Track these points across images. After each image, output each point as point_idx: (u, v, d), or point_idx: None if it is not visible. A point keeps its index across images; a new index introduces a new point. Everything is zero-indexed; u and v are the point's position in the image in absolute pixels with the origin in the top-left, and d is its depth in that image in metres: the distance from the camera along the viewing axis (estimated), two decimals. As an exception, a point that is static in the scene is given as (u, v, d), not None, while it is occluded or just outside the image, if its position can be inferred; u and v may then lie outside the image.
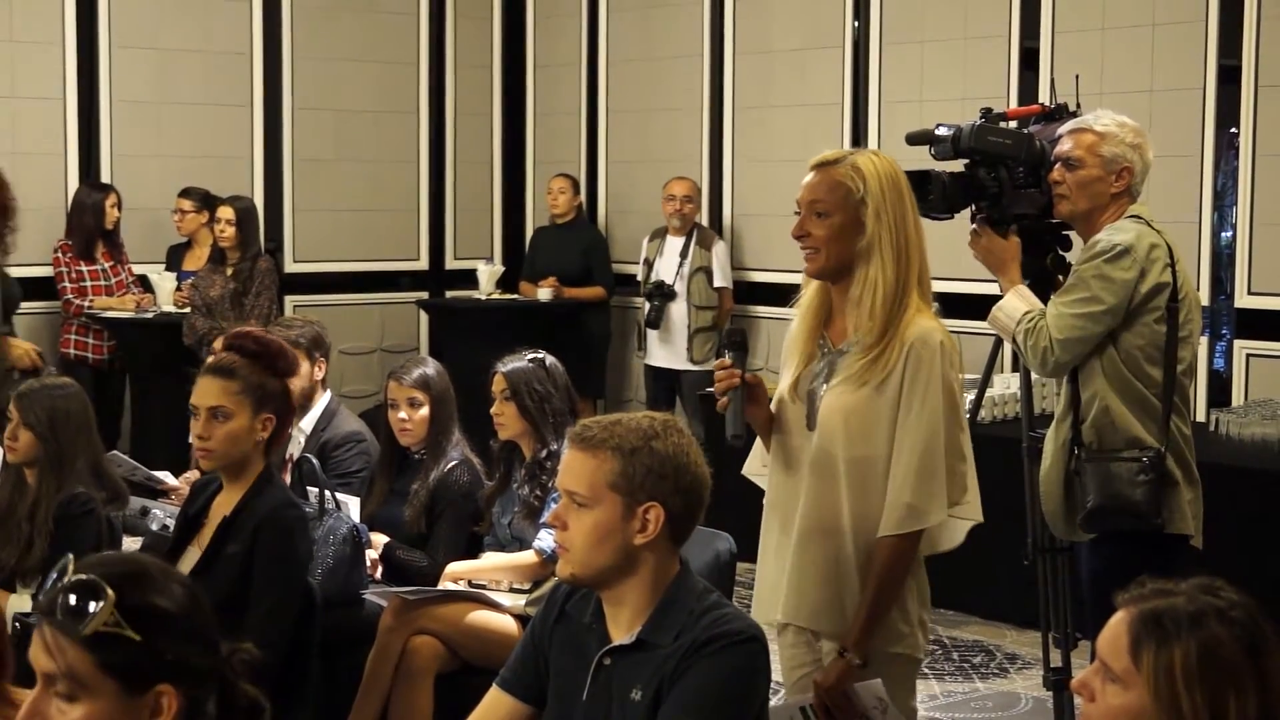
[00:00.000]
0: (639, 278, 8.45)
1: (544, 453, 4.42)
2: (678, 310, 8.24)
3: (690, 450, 2.68)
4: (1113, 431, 3.98)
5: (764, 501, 3.36)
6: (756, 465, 3.43)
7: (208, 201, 8.12)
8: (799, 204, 3.23)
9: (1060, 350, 3.94)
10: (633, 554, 2.64)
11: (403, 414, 4.66)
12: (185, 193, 8.20)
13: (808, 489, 3.20)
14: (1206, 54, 6.86)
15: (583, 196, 9.20)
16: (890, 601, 3.15)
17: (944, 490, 3.12)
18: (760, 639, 2.65)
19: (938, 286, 7.51)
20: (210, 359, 3.83)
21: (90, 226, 7.95)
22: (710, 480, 2.72)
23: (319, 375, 4.97)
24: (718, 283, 8.21)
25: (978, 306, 7.11)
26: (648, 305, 8.30)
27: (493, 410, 4.51)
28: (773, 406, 3.31)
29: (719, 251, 8.24)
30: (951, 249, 6.77)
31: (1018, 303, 4.07)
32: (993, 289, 4.51)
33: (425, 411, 4.65)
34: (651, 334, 8.32)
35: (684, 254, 8.24)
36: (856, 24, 8.07)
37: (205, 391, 3.61)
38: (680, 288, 8.22)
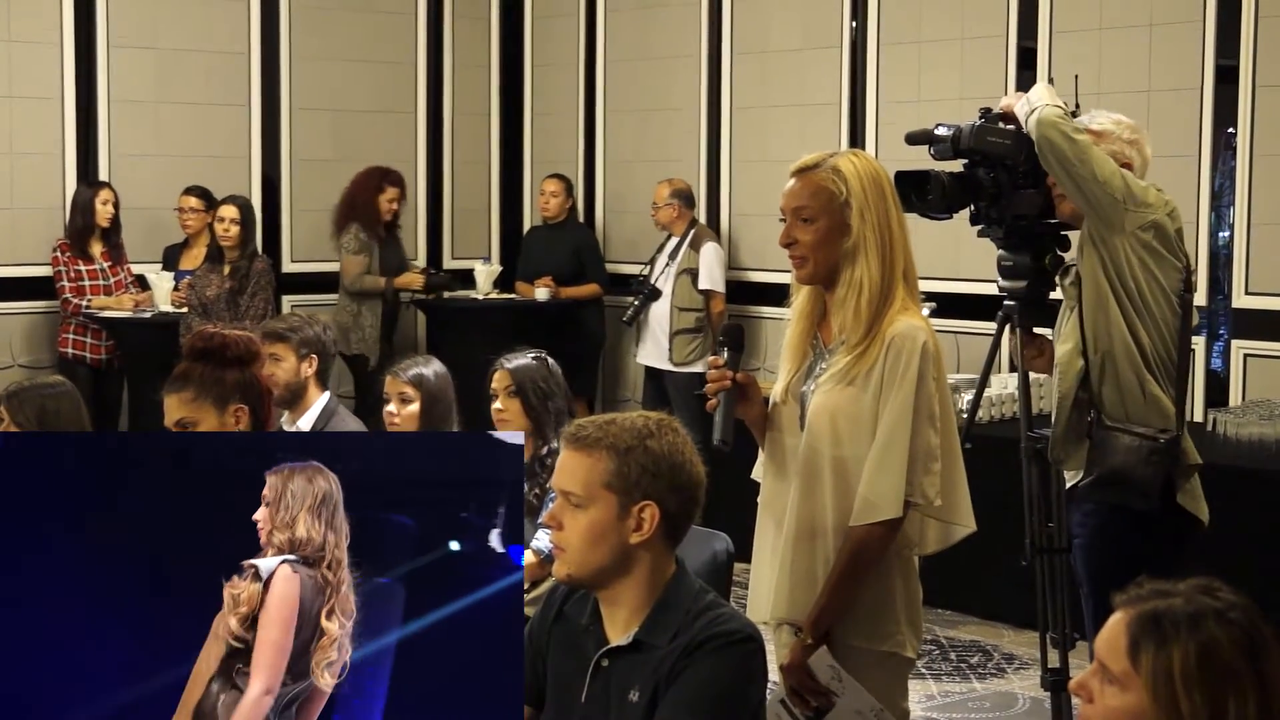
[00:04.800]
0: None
1: (544, 450, 4.42)
2: (659, 310, 8.23)
3: (685, 449, 2.68)
4: (1124, 406, 4.05)
5: (758, 501, 3.37)
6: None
7: (209, 200, 8.13)
8: (783, 211, 3.23)
9: (1084, 149, 3.97)
10: (629, 553, 2.64)
11: (391, 407, 4.65)
12: (190, 191, 8.20)
13: (796, 488, 3.22)
14: (1204, 54, 6.86)
15: (579, 196, 9.22)
16: (852, 588, 3.14)
17: (899, 487, 3.11)
18: (756, 639, 2.65)
19: (936, 286, 7.56)
20: None
21: (86, 225, 7.96)
22: (706, 479, 2.72)
23: (308, 372, 4.94)
24: (703, 285, 8.17)
25: (975, 306, 7.15)
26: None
27: (495, 407, 4.49)
28: (768, 408, 3.31)
29: (707, 253, 8.18)
30: (949, 249, 6.79)
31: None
32: (991, 289, 4.53)
33: (415, 408, 4.63)
34: (642, 333, 8.34)
35: (674, 254, 8.24)
36: (854, 24, 8.07)
37: (167, 411, 3.59)
38: (666, 288, 8.21)
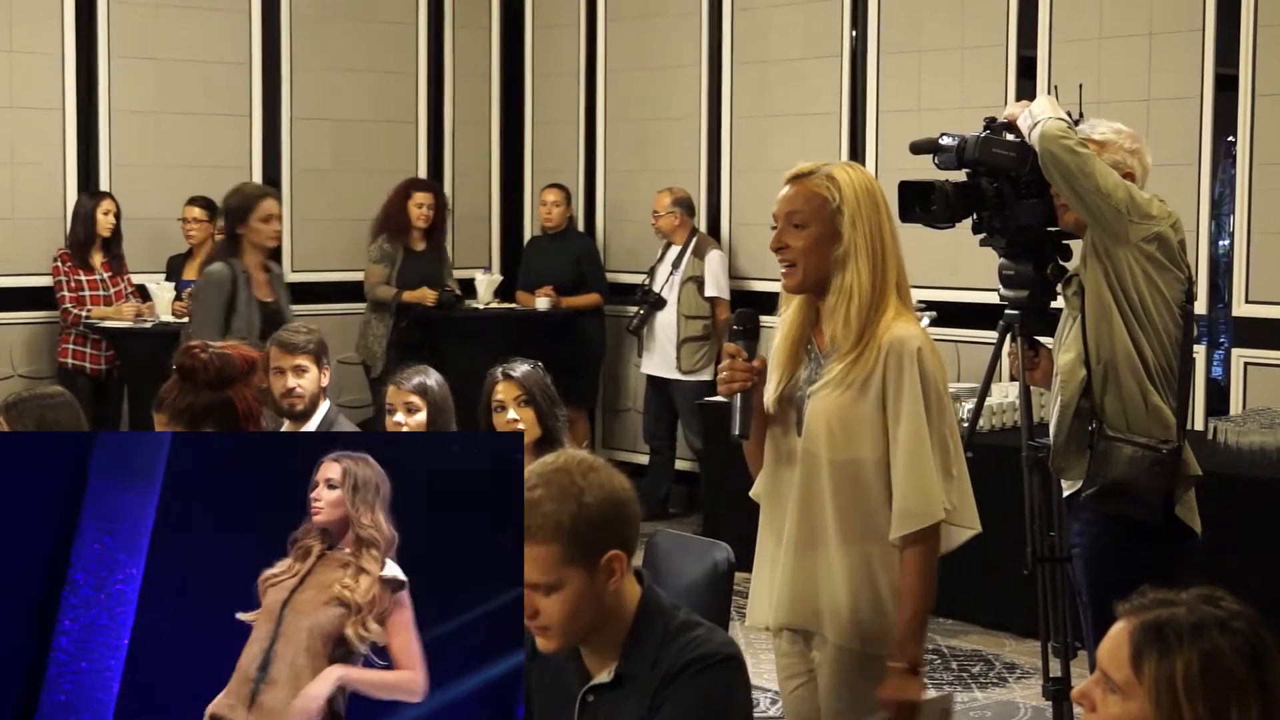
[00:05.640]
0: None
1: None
2: (665, 319, 8.25)
3: (611, 478, 2.58)
4: (1125, 417, 4.06)
5: (749, 494, 3.37)
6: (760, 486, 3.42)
7: (213, 210, 8.14)
8: (775, 217, 3.23)
9: (1087, 162, 3.98)
10: (607, 601, 2.57)
11: (399, 417, 4.64)
12: (194, 201, 8.21)
13: (796, 493, 3.22)
14: (1204, 62, 6.86)
15: (579, 206, 9.24)
16: (926, 602, 3.16)
17: (937, 487, 3.13)
18: (736, 656, 2.60)
19: (936, 295, 7.54)
20: None
21: (87, 235, 7.97)
22: (631, 488, 2.64)
23: (325, 382, 4.96)
24: (709, 292, 8.20)
25: (976, 315, 7.14)
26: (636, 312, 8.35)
27: (507, 418, 4.44)
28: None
29: (712, 261, 8.23)
30: (949, 258, 6.79)
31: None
32: (991, 298, 4.53)
33: (422, 417, 4.63)
34: (646, 343, 8.35)
35: (677, 263, 8.25)
36: (854, 33, 8.08)
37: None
38: (671, 296, 8.22)
